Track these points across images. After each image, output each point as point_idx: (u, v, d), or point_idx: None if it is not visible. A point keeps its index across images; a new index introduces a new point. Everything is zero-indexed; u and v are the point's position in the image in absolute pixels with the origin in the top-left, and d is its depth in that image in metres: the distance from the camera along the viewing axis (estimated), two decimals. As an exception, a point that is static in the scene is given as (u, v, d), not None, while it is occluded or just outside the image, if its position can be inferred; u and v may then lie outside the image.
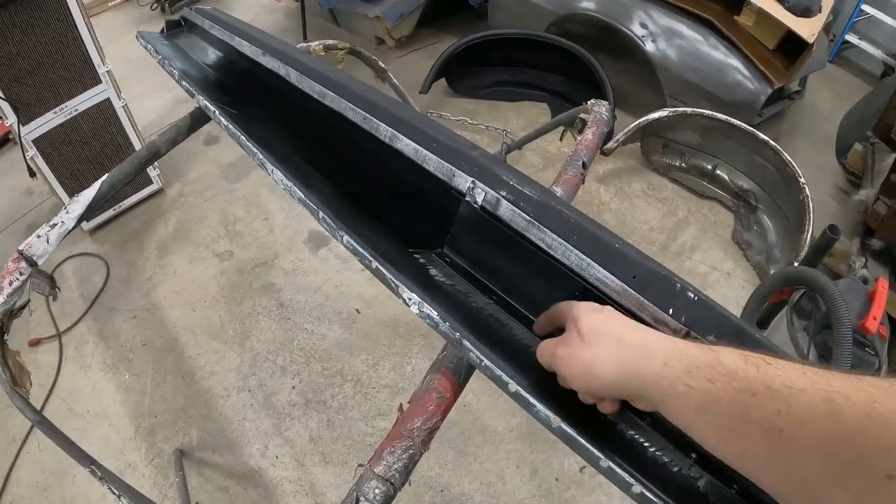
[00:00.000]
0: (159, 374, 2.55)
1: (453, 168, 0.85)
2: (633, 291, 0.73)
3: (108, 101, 2.81)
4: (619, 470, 0.64)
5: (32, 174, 2.75)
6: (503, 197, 0.82)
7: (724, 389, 0.51)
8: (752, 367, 0.51)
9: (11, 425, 2.39)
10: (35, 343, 2.66)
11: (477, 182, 0.83)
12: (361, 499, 0.68)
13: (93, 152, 2.88)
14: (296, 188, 0.96)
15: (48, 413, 2.38)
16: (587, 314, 0.68)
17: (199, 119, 1.44)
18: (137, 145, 3.00)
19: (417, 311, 0.76)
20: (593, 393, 0.66)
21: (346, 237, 0.86)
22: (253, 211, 3.25)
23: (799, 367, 0.49)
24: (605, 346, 0.63)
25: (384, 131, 0.94)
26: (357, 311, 2.75)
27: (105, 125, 2.87)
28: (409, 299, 0.77)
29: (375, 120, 0.96)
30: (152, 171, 3.20)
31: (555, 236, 0.77)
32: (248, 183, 3.41)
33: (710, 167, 3.26)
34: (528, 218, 0.79)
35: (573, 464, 2.22)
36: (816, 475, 0.45)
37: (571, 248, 0.76)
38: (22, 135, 2.57)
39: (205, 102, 1.27)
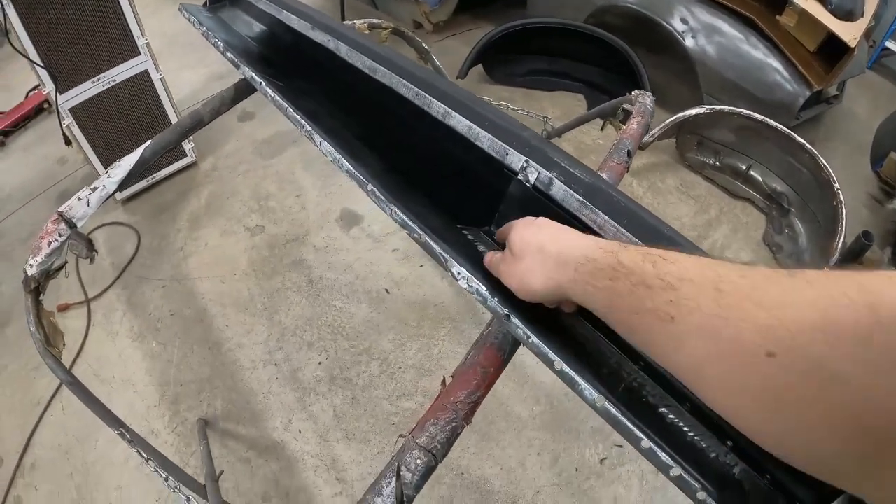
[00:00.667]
0: (186, 345, 2.58)
1: (507, 146, 0.86)
2: None
3: (146, 73, 2.84)
4: (659, 452, 0.65)
5: (68, 142, 2.80)
6: (555, 177, 0.82)
7: (623, 286, 0.56)
8: (649, 263, 0.54)
9: (37, 387, 2.44)
10: (64, 308, 2.71)
11: (530, 161, 0.83)
12: (403, 468, 0.69)
13: (128, 123, 2.92)
14: (344, 160, 0.96)
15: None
16: (518, 230, 0.74)
17: (243, 90, 1.46)
18: (173, 118, 3.04)
19: (465, 286, 0.77)
20: (533, 301, 0.71)
21: (395, 209, 0.87)
22: (286, 187, 3.27)
23: (695, 259, 0.53)
24: (530, 259, 0.69)
25: (437, 107, 0.95)
26: (387, 290, 2.76)
27: (142, 97, 2.90)
28: (458, 273, 0.78)
29: (428, 96, 0.97)
30: (187, 145, 3.24)
31: (606, 217, 0.77)
32: (282, 160, 3.43)
33: (744, 167, 3.23)
34: (580, 199, 0.80)
35: (594, 455, 2.22)
36: (702, 355, 0.48)
37: (622, 229, 0.76)
38: (59, 103, 2.60)
39: (251, 74, 1.28)
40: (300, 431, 2.30)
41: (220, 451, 2.25)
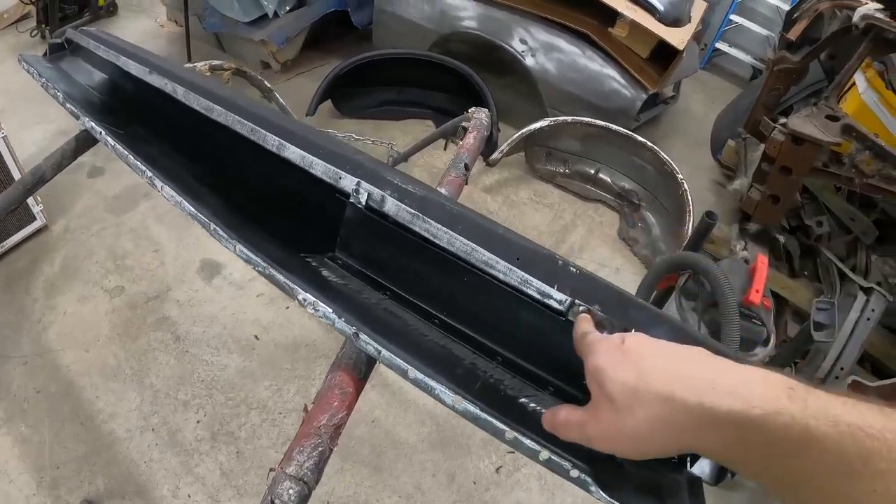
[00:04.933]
0: (57, 423, 2.40)
1: (339, 171, 0.88)
2: (518, 270, 0.77)
3: (-14, 135, 2.65)
4: (525, 440, 0.68)
5: None
6: (388, 195, 0.85)
7: (809, 465, 0.45)
8: (848, 437, 0.43)
9: None
10: (-85, 401, 2.46)
11: (362, 182, 0.86)
12: (276, 501, 0.68)
13: (-28, 188, 2.71)
14: (186, 202, 0.96)
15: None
16: (612, 369, 0.56)
17: (84, 142, 1.41)
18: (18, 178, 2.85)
19: (312, 311, 0.78)
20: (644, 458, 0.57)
21: (238, 246, 0.87)
22: (142, 243, 3.15)
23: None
24: (647, 411, 0.52)
25: (271, 141, 0.96)
26: (256, 337, 2.72)
27: (-16, 159, 2.70)
28: (304, 300, 0.79)
29: (262, 130, 0.98)
30: (35, 207, 3.03)
31: (439, 226, 0.81)
32: (136, 214, 3.29)
33: (592, 171, 3.43)
34: (412, 211, 0.83)
35: (489, 465, 2.27)
36: None
37: (456, 235, 0.80)
38: None
39: (91, 124, 1.25)
40: (189, 496, 2.20)
41: (110, 530, 2.11)
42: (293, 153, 0.93)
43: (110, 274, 2.98)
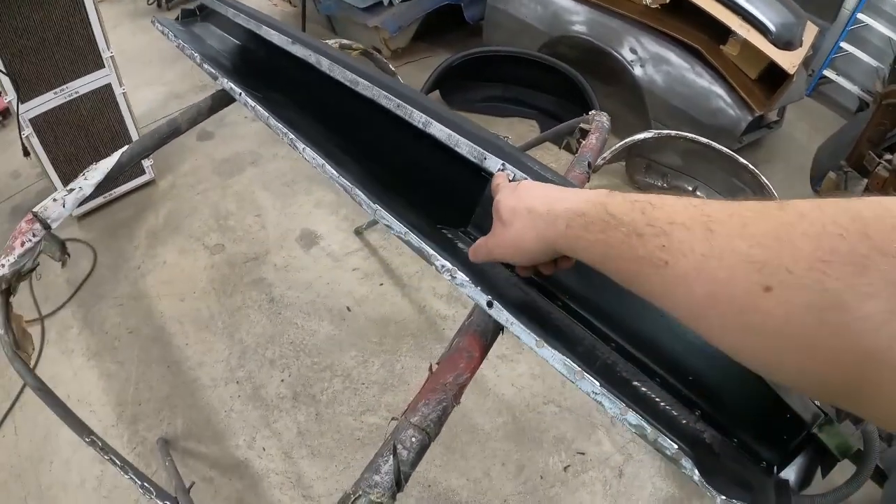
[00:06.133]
0: (144, 363, 2.54)
1: (485, 151, 0.92)
2: None
3: (108, 87, 2.82)
4: (644, 423, 0.71)
5: (27, 154, 2.76)
6: (528, 179, 0.89)
7: (614, 236, 0.56)
8: (638, 211, 0.55)
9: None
10: (16, 325, 2.63)
11: (507, 164, 0.90)
12: (399, 446, 0.73)
13: (89, 137, 2.88)
14: (329, 165, 1.01)
15: (27, 397, 2.36)
16: (504, 198, 0.75)
17: (220, 101, 1.49)
18: (134, 134, 3.02)
19: (450, 277, 0.83)
20: (531, 262, 0.74)
21: (379, 210, 0.92)
22: (245, 207, 3.28)
23: (683, 202, 0.54)
24: (520, 222, 0.70)
25: (418, 117, 1.00)
26: (348, 308, 2.78)
27: (104, 111, 2.88)
28: (442, 266, 0.83)
29: (409, 107, 1.02)
30: (146, 162, 3.20)
31: None
32: (242, 179, 3.44)
33: (690, 188, 3.38)
34: None
35: (557, 463, 2.27)
36: (700, 297, 0.49)
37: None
38: (20, 113, 2.57)
39: (230, 85, 1.32)
40: (264, 449, 2.29)
41: (181, 470, 2.18)
42: (440, 131, 0.98)
43: (212, 232, 3.13)
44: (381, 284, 2.90)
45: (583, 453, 2.29)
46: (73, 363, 2.54)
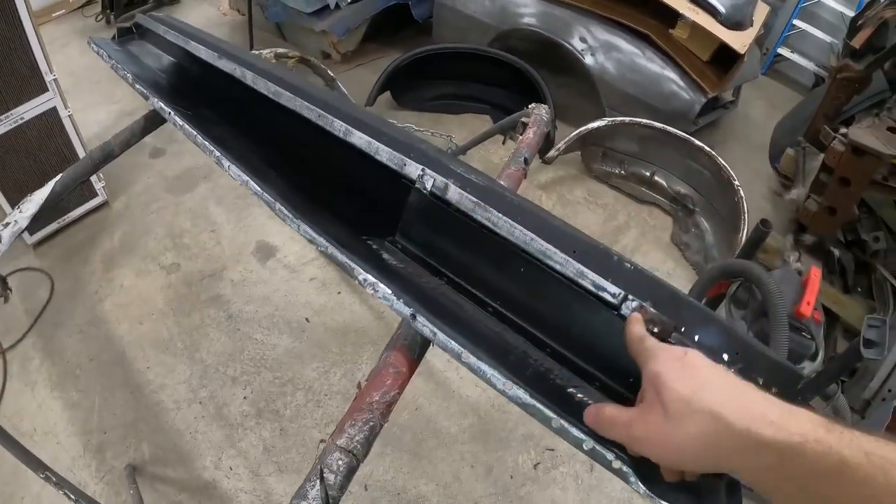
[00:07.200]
0: (107, 390, 2.49)
1: (404, 158, 0.90)
2: (574, 262, 0.78)
3: (54, 111, 2.74)
4: (571, 429, 0.69)
5: (-28, 184, 2.68)
6: (451, 183, 0.87)
7: (842, 499, 0.47)
8: (880, 470, 0.46)
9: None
10: (-25, 362, 2.57)
11: (426, 169, 0.88)
12: (326, 470, 0.71)
13: (38, 163, 2.81)
14: (252, 182, 0.99)
15: (-6, 433, 2.31)
16: (671, 381, 0.58)
17: (152, 121, 1.46)
18: (83, 158, 2.95)
19: (372, 291, 0.80)
20: (682, 470, 0.61)
21: (302, 226, 0.90)
22: (200, 223, 3.23)
23: None
24: (696, 426, 0.54)
25: (338, 126, 0.98)
26: (307, 319, 2.76)
27: (51, 135, 2.80)
28: (365, 280, 0.81)
29: (329, 116, 1.00)
30: (97, 184, 3.14)
31: (500, 215, 0.82)
32: (195, 195, 3.38)
33: (648, 174, 3.39)
34: (474, 200, 0.84)
35: (527, 461, 2.27)
36: None
37: (516, 224, 0.81)
38: (-36, 142, 2.50)
39: (160, 104, 1.29)
40: (231, 468, 2.26)
41: (150, 496, 2.18)
42: (359, 139, 0.96)
43: (167, 251, 3.07)
44: (339, 293, 2.89)
45: (552, 449, 2.29)
46: (36, 395, 2.48)
